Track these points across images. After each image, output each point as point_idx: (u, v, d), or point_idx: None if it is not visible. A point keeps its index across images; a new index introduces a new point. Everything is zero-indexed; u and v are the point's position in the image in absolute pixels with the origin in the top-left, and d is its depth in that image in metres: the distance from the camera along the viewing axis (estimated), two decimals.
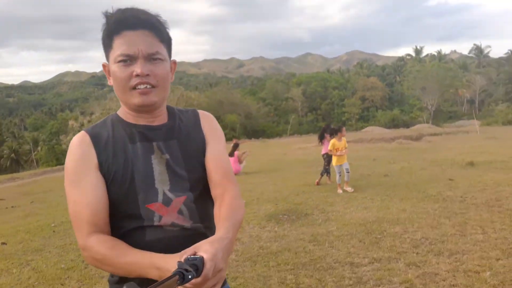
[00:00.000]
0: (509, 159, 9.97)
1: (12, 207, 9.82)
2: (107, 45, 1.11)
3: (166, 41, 1.14)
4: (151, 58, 1.08)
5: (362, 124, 64.72)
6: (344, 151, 7.70)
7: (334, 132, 7.96)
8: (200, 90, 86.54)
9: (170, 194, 1.11)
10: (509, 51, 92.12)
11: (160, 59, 1.10)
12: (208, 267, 0.84)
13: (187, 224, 1.11)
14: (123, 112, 1.18)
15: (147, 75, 1.07)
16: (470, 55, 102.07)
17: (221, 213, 1.09)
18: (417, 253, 3.88)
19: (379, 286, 3.21)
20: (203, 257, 0.85)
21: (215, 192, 1.17)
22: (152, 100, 1.10)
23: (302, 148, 22.40)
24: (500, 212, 5.12)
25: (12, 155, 55.73)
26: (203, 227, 1.14)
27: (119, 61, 1.07)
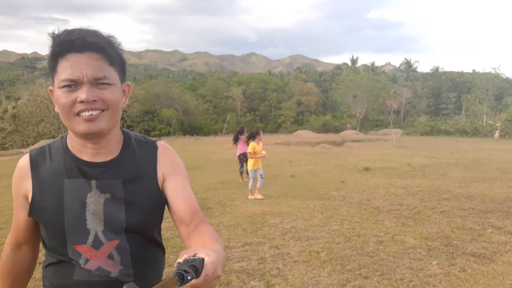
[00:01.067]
0: (401, 166, 11.49)
1: None
2: (52, 68, 1.04)
3: (118, 64, 1.07)
4: (98, 83, 1.01)
5: (296, 127, 67.42)
6: (262, 154, 7.75)
7: (253, 136, 8.03)
8: (138, 82, 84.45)
9: (102, 237, 1.06)
10: (434, 68, 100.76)
11: (108, 83, 1.02)
12: (209, 268, 0.85)
13: (115, 270, 1.06)
14: (70, 139, 1.12)
15: (94, 101, 1.00)
16: (401, 68, 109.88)
17: (206, 239, 1.05)
18: (282, 239, 4.76)
19: (239, 262, 4.01)
20: (203, 258, 0.86)
21: (185, 231, 1.12)
22: (99, 126, 1.03)
23: (232, 148, 23.26)
24: (365, 210, 6.22)
25: None
26: (135, 274, 1.09)
27: (63, 86, 1.01)
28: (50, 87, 1.09)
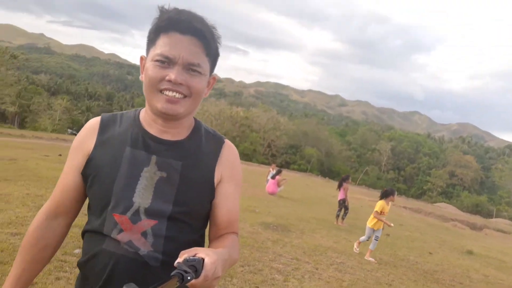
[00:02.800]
0: (508, 260, 10.55)
1: None
2: (151, 40, 1.05)
3: (213, 56, 1.07)
4: (190, 68, 1.02)
5: (442, 199, 61.93)
6: (386, 221, 6.91)
7: (386, 195, 7.16)
8: (293, 117, 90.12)
9: (142, 213, 1.03)
10: None
11: (199, 72, 1.03)
12: (209, 269, 0.85)
13: (144, 249, 1.03)
14: (144, 111, 1.13)
15: (180, 84, 1.01)
16: None
17: (221, 243, 1.08)
18: (327, 266, 5.59)
19: (282, 265, 5.05)
20: (203, 259, 0.86)
21: (215, 234, 1.14)
22: (177, 110, 1.03)
23: (355, 198, 23.51)
24: (415, 273, 6.47)
25: None
26: (162, 260, 1.04)
27: (156, 60, 1.01)
28: (142, 55, 1.10)
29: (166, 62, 1.01)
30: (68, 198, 1.12)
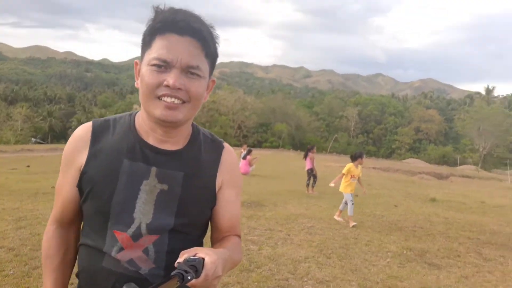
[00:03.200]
0: (470, 203, 11.45)
1: None
2: (146, 43, 0.99)
3: (211, 57, 1.02)
4: (188, 71, 0.97)
5: (411, 155, 64.35)
6: (357, 179, 7.24)
7: (354, 158, 7.41)
8: (260, 95, 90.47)
9: (144, 229, 0.99)
10: None
11: (198, 75, 0.98)
12: (209, 268, 0.84)
13: (145, 267, 1.00)
14: (140, 118, 1.06)
15: (179, 89, 0.95)
16: None
17: (223, 244, 1.08)
18: (299, 232, 6.09)
19: (255, 236, 5.51)
20: (203, 258, 0.86)
21: (217, 237, 1.14)
22: (176, 117, 0.98)
23: (324, 166, 24.36)
24: (380, 224, 7.09)
25: None
26: (164, 276, 1.00)
27: (153, 65, 0.95)
28: (137, 60, 1.05)
29: (163, 66, 0.96)
30: (69, 211, 1.09)
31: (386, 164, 34.75)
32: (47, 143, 50.25)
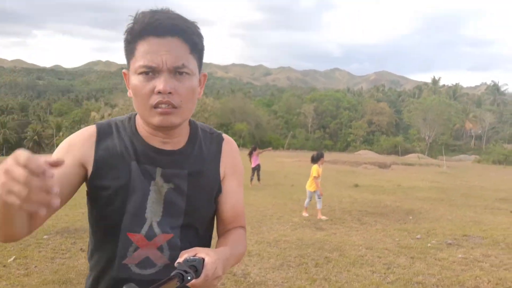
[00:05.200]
0: (388, 186, 13.56)
1: None
2: (129, 51, 0.97)
3: (197, 52, 1.00)
4: (176, 72, 0.95)
5: (365, 146, 67.96)
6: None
7: (317, 159, 7.95)
8: (220, 95, 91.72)
9: (156, 228, 1.02)
10: None
11: (187, 73, 0.96)
12: (209, 268, 0.85)
13: (161, 263, 1.02)
14: (139, 122, 1.06)
15: (170, 93, 0.94)
16: (486, 91, 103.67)
17: (226, 240, 1.09)
18: None
19: None
20: (203, 258, 0.86)
21: (222, 230, 1.14)
22: (172, 122, 0.98)
23: (277, 162, 26.29)
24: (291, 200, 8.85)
25: (35, 137, 61.03)
26: None
27: (140, 73, 0.95)
28: (124, 70, 1.03)
29: (150, 72, 0.94)
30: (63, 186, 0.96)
31: (336, 157, 37.22)
32: (3, 155, 49.26)
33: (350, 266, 4.31)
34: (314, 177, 7.70)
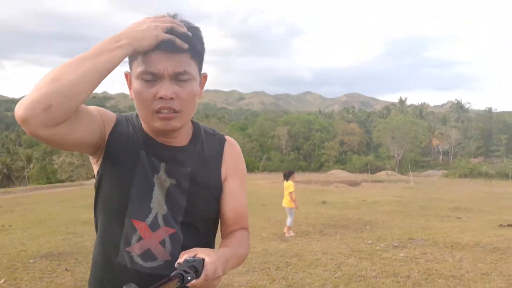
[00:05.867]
0: (352, 202, 14.42)
1: (11, 211, 14.11)
2: (132, 54, 0.98)
3: (198, 55, 1.04)
4: (177, 78, 0.98)
5: (338, 166, 69.60)
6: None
7: (289, 175, 8.44)
8: (196, 121, 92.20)
9: (160, 220, 1.03)
10: (487, 108, 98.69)
11: (188, 79, 1.00)
12: (209, 269, 0.86)
13: (162, 258, 1.03)
14: (143, 122, 1.08)
15: (171, 98, 0.98)
16: (451, 109, 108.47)
17: (228, 241, 1.09)
18: None
19: None
20: (203, 259, 0.86)
21: (226, 231, 1.15)
22: (174, 126, 1.01)
23: (252, 184, 26.95)
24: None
25: (5, 170, 59.44)
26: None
27: (142, 79, 0.98)
28: (126, 72, 1.05)
29: (152, 78, 0.98)
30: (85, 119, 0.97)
31: (310, 177, 38.18)
32: None
33: (306, 268, 4.99)
34: (290, 192, 8.10)
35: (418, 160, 71.58)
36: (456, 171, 56.73)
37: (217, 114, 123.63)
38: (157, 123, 1.01)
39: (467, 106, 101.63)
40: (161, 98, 0.98)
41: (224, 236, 1.15)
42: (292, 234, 7.85)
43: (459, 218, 9.67)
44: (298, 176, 40.27)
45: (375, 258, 5.42)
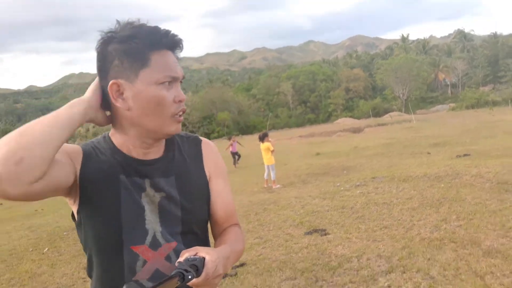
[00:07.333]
0: (344, 150, 15.59)
1: None
2: (139, 59, 0.95)
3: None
4: (180, 81, 1.02)
5: (346, 114, 70.30)
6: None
7: (264, 137, 9.56)
8: (199, 88, 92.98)
9: (160, 238, 1.02)
10: (492, 34, 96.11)
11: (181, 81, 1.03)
12: (210, 267, 0.86)
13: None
14: (119, 138, 1.05)
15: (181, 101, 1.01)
16: (455, 40, 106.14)
17: (224, 239, 1.10)
18: None
19: None
20: (204, 257, 0.87)
21: (217, 231, 1.15)
22: (180, 128, 1.04)
23: (257, 144, 28.33)
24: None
25: None
26: None
27: (161, 83, 0.97)
28: (117, 81, 0.96)
29: (169, 82, 0.98)
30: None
31: (315, 129, 39.37)
32: None
33: (278, 210, 6.31)
34: (272, 151, 9.29)
35: (426, 97, 71.59)
36: (463, 103, 56.88)
37: (220, 77, 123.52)
38: (173, 127, 1.02)
39: (471, 34, 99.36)
40: (180, 101, 1.01)
41: (216, 236, 1.16)
42: (278, 186, 9.15)
43: (428, 153, 10.82)
44: (305, 129, 42.21)
45: (336, 197, 6.69)
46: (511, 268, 3.01)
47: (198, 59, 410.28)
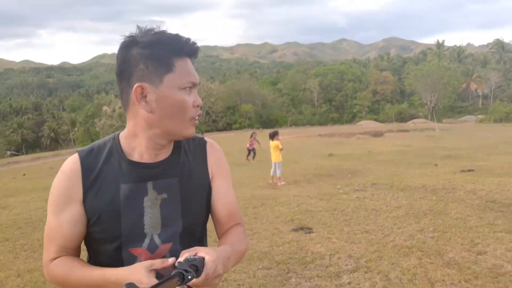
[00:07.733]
0: (357, 153, 15.80)
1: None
2: (164, 65, 1.01)
3: None
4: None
5: (371, 116, 69.63)
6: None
7: (275, 135, 9.88)
8: (227, 77, 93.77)
9: (157, 240, 1.06)
10: None
11: None
12: (209, 267, 0.87)
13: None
14: (129, 139, 1.09)
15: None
16: (492, 50, 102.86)
17: (227, 239, 1.12)
18: None
19: None
20: (203, 258, 0.88)
21: (221, 231, 1.18)
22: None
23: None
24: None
25: (52, 134, 64.53)
26: None
27: (184, 88, 1.03)
28: (141, 84, 1.01)
29: (189, 88, 1.05)
30: (71, 248, 1.08)
31: (336, 129, 39.33)
32: (23, 154, 52.46)
33: (275, 206, 6.69)
34: (281, 149, 9.64)
35: (455, 106, 70.06)
36: (492, 115, 55.49)
37: (249, 69, 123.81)
38: (190, 130, 1.08)
39: (511, 45, 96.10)
40: (197, 106, 1.07)
41: (220, 235, 1.19)
42: (283, 183, 9.54)
43: (436, 165, 10.94)
44: (326, 128, 42.41)
45: (333, 199, 7.02)
46: (460, 278, 3.32)
47: (229, 49, 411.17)
